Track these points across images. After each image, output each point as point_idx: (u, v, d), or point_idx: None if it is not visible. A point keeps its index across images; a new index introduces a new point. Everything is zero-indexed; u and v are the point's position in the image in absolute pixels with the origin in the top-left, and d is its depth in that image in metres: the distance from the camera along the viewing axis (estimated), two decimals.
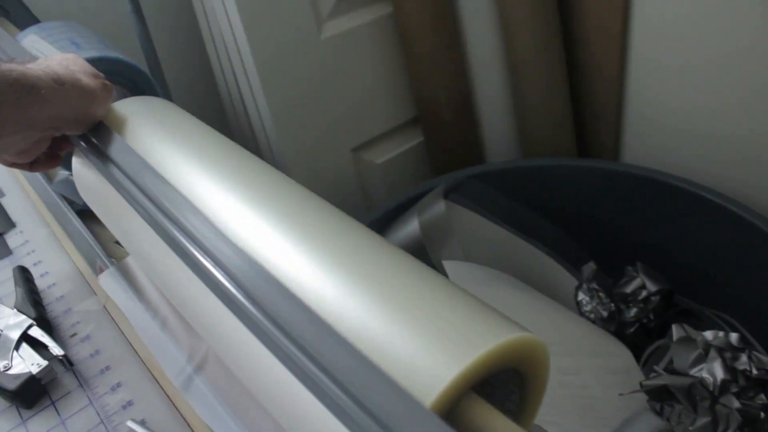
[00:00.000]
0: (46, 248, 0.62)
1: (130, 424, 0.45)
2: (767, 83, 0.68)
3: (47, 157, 0.50)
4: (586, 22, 0.75)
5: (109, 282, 0.54)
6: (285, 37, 0.76)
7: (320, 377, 0.23)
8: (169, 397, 0.46)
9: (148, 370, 0.48)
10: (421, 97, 0.88)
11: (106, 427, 0.45)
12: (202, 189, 0.37)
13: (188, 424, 0.44)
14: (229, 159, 0.41)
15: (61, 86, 0.41)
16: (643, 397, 0.62)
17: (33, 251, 0.62)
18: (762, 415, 0.57)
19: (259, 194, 0.36)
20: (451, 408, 0.25)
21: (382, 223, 0.79)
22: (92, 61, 0.56)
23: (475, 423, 0.25)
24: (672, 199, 0.75)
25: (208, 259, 0.30)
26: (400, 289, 0.29)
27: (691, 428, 0.58)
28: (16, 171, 0.74)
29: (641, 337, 0.75)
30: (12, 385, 0.47)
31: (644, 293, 0.74)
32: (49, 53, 0.57)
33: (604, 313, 0.75)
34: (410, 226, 0.76)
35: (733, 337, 0.60)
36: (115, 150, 0.41)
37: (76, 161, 0.49)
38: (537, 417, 0.43)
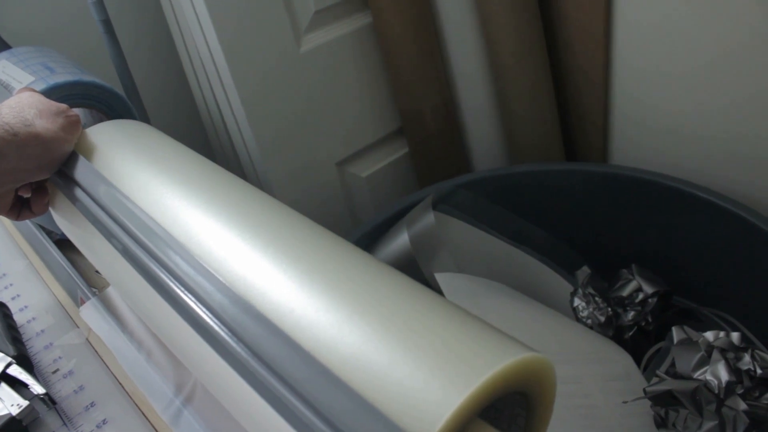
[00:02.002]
0: (24, 281, 0.60)
1: None
2: (753, 82, 0.67)
3: (36, 202, 0.47)
4: (569, 25, 0.75)
5: (91, 314, 0.52)
6: (263, 51, 0.75)
7: (313, 420, 0.21)
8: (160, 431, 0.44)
9: (135, 404, 0.46)
10: (404, 108, 0.86)
11: None
12: (182, 214, 0.35)
13: None
14: (208, 181, 0.39)
15: (14, 137, 0.38)
16: (646, 403, 0.61)
17: (11, 285, 0.60)
18: None
19: (242, 219, 0.35)
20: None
21: (370, 238, 0.77)
22: (66, 86, 0.55)
23: None
24: (663, 199, 0.74)
25: (190, 296, 0.28)
26: (396, 314, 0.27)
27: None
28: None
29: (640, 341, 0.74)
30: None
31: (641, 296, 0.73)
32: (21, 78, 0.56)
33: (602, 318, 0.73)
34: (400, 240, 0.74)
35: (735, 336, 0.59)
36: (86, 179, 0.39)
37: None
38: None
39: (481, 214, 0.78)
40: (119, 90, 0.60)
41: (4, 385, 0.48)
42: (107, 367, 0.50)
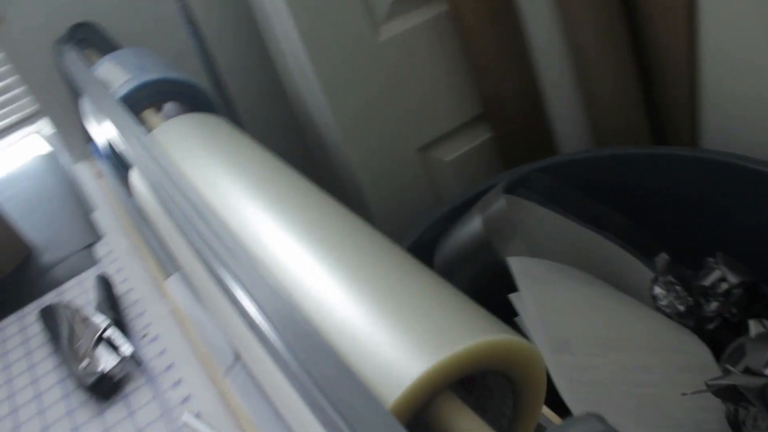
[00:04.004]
0: (126, 257, 0.68)
1: (186, 417, 0.48)
2: None
3: None
4: (649, 2, 0.72)
5: (174, 286, 0.59)
6: (343, 42, 0.78)
7: (298, 372, 0.25)
8: (221, 392, 0.49)
9: (205, 367, 0.52)
10: (485, 93, 0.87)
11: (166, 420, 0.49)
12: (237, 208, 0.39)
13: (235, 416, 0.47)
14: (268, 178, 0.43)
15: None
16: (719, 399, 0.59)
17: (116, 260, 0.68)
18: None
19: (284, 211, 0.38)
20: (425, 403, 0.26)
21: (448, 220, 0.79)
22: (155, 83, 0.61)
23: (445, 421, 0.26)
24: (755, 185, 0.70)
25: (219, 266, 0.33)
26: (390, 288, 0.30)
27: None
28: (105, 186, 0.81)
29: (725, 334, 0.71)
30: (89, 381, 0.52)
31: (724, 286, 0.70)
32: (119, 77, 0.63)
33: (681, 308, 0.71)
34: (473, 224, 0.76)
35: None
36: (158, 168, 0.44)
37: (132, 176, 0.54)
38: None
39: (559, 198, 0.78)
40: (206, 85, 0.66)
41: (102, 344, 0.56)
42: (186, 334, 0.56)
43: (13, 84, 1.02)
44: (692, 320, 0.71)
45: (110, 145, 0.60)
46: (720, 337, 0.71)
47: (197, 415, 0.48)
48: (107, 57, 0.66)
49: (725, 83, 0.73)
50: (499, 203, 0.74)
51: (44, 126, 1.04)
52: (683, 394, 0.58)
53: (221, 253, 0.33)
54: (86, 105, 0.66)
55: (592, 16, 0.74)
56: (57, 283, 0.68)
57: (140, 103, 0.61)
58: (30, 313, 0.65)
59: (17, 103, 1.05)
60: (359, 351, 0.27)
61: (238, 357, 0.49)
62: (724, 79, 0.73)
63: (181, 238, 0.38)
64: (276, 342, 0.28)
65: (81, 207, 0.80)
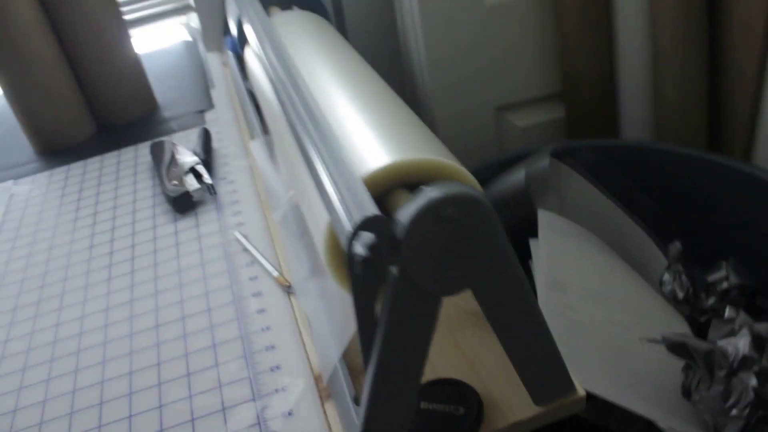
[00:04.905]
0: (227, 124, 0.83)
1: (237, 234, 0.62)
2: None
3: None
4: (732, 17, 0.77)
5: (256, 147, 0.73)
6: (452, 1, 0.90)
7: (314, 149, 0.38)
8: (268, 226, 0.63)
9: (261, 207, 0.66)
10: (566, 72, 0.95)
11: (222, 234, 0.63)
12: (319, 83, 0.52)
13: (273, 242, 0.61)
14: (345, 65, 0.55)
15: None
16: (679, 368, 0.66)
17: (219, 125, 0.84)
18: None
19: (349, 84, 0.50)
20: (385, 189, 0.37)
21: (500, 168, 0.89)
22: None
23: (395, 205, 0.37)
24: None
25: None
26: (389, 121, 0.42)
27: (704, 394, 0.61)
28: (227, 73, 0.97)
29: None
30: (173, 195, 0.68)
31: (725, 285, 0.76)
32: None
33: (680, 295, 0.78)
34: (517, 175, 0.85)
35: None
36: (269, 46, 0.57)
37: (246, 53, 0.68)
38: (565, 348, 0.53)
39: (599, 174, 0.86)
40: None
41: (191, 174, 0.71)
42: (254, 182, 0.70)
43: None
44: (688, 309, 0.78)
45: (237, 27, 0.75)
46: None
47: (245, 236, 0.62)
48: None
49: None
50: (543, 162, 0.83)
51: (192, 19, 1.22)
52: (640, 339, 0.66)
53: (300, 116, 0.46)
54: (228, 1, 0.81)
55: (679, 22, 0.80)
56: (170, 132, 0.84)
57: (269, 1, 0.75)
58: (145, 147, 0.82)
59: None
60: (356, 143, 0.40)
61: (287, 201, 0.62)
62: None
63: (273, 104, 0.52)
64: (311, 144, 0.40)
65: (204, 83, 0.96)
